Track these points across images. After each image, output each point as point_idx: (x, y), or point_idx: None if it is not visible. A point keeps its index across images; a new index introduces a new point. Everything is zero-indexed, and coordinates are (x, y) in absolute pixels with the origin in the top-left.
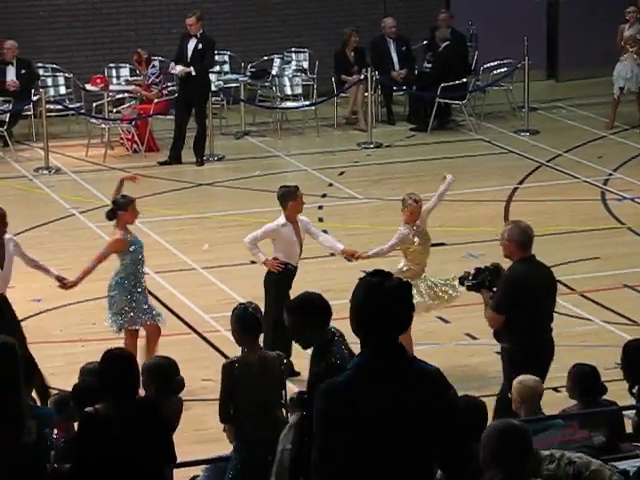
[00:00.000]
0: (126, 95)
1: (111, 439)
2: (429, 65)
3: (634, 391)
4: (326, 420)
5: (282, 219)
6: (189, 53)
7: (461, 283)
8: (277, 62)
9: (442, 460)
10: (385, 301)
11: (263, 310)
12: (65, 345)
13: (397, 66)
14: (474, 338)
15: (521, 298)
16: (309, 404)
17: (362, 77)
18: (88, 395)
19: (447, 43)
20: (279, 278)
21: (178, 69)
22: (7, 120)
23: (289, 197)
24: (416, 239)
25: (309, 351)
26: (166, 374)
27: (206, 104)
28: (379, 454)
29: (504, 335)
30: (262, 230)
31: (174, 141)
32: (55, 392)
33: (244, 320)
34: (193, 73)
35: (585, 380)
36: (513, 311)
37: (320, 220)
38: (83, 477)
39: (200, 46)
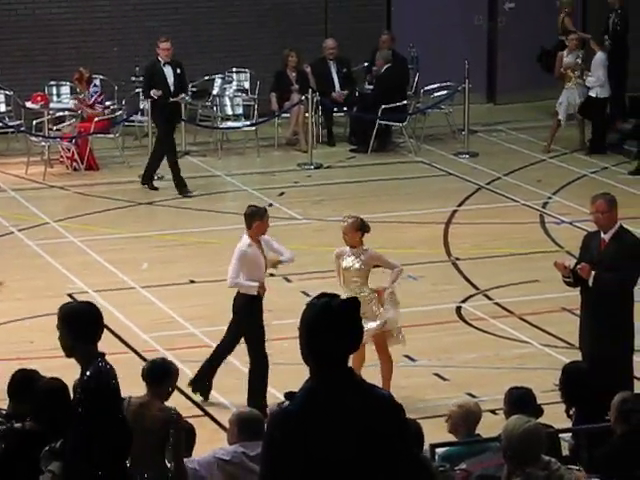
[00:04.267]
0: (66, 113)
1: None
2: (370, 86)
3: (571, 413)
4: (278, 448)
5: (246, 239)
6: (171, 80)
7: None
8: (218, 82)
9: None
10: (334, 319)
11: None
12: (2, 363)
13: (338, 87)
14: (412, 360)
15: None
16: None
17: (302, 98)
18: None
19: (388, 65)
20: (254, 301)
21: (181, 97)
22: None
23: (257, 216)
24: (343, 262)
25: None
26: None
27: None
28: None
29: None
30: (236, 260)
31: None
32: None
33: (151, 370)
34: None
35: (520, 403)
36: None
37: None
38: None
39: (179, 71)
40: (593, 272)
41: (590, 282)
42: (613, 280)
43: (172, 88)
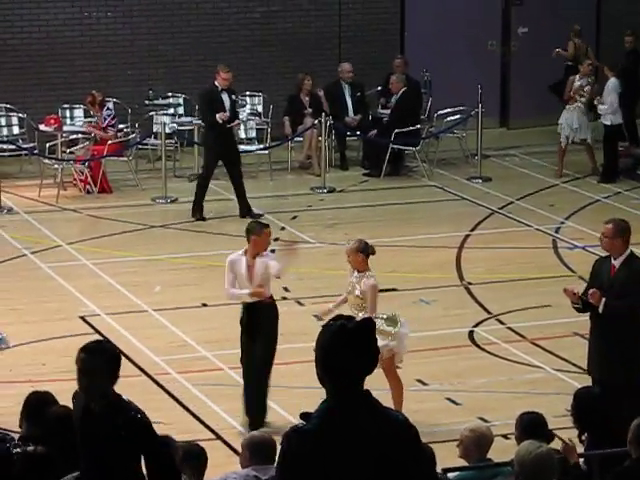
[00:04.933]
0: (79, 136)
1: None
2: (383, 111)
3: (583, 438)
4: (295, 468)
5: (241, 251)
6: (227, 106)
7: None
8: None
9: None
10: (350, 340)
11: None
12: (14, 385)
13: (351, 111)
14: (424, 384)
15: None
16: None
17: (315, 122)
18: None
19: (404, 89)
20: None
21: (236, 123)
22: None
23: (253, 231)
24: (350, 286)
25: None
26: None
27: None
28: None
29: None
30: (226, 268)
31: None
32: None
33: None
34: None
35: (531, 428)
36: None
37: None
38: None
39: (233, 97)
40: (603, 298)
41: (600, 308)
42: (623, 306)
43: (229, 114)
